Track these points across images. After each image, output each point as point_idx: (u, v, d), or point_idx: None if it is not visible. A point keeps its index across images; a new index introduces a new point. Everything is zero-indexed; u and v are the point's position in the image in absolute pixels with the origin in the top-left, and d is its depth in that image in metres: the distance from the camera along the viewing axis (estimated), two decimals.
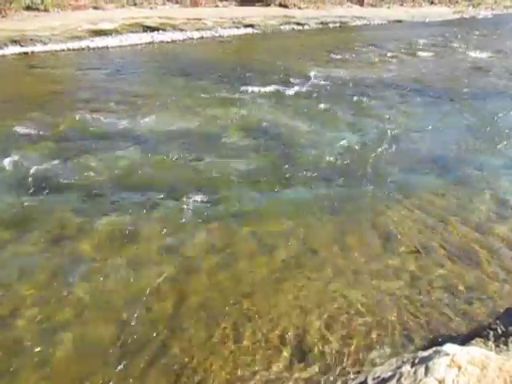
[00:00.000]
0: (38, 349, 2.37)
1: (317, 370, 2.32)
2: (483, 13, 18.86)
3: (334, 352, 2.42)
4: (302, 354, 2.41)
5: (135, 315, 2.62)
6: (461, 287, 2.93)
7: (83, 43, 10.08)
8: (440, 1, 19.94)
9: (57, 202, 3.78)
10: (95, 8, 12.10)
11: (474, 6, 19.97)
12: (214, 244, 3.30)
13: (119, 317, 2.61)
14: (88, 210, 3.66)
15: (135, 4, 12.83)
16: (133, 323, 2.56)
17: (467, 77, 8.32)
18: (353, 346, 2.46)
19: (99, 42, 10.31)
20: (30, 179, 4.10)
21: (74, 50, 9.80)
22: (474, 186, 4.23)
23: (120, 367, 2.29)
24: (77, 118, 5.68)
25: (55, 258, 3.08)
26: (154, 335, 2.49)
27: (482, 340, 2.32)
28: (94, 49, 9.98)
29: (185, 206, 3.73)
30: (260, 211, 3.75)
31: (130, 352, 2.38)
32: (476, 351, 1.97)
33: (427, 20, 16.16)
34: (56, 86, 7.18)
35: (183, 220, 3.57)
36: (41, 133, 5.17)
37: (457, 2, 20.18)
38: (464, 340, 2.40)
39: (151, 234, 3.38)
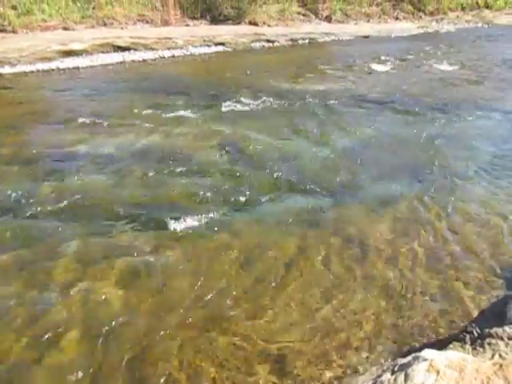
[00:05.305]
0: None
1: (296, 381, 2.31)
2: (446, 27, 19.51)
3: (313, 363, 2.42)
4: (280, 366, 2.40)
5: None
6: (437, 293, 2.99)
7: (53, 64, 9.96)
8: (404, 17, 20.55)
9: (26, 225, 3.70)
10: (65, 28, 12.00)
11: (437, 21, 20.66)
12: (185, 263, 3.28)
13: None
14: (59, 232, 3.60)
15: (105, 24, 12.80)
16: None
17: (434, 88, 8.57)
18: (332, 357, 2.46)
19: (69, 62, 10.21)
20: None
21: (43, 71, 9.67)
22: (445, 193, 4.33)
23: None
24: (46, 139, 5.60)
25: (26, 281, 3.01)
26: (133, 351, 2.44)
27: (460, 343, 2.36)
28: (64, 69, 9.88)
29: (155, 225, 3.71)
30: (232, 227, 3.75)
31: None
32: (453, 355, 2.01)
33: (393, 35, 16.62)
34: (25, 108, 7.07)
35: (154, 239, 3.54)
36: (8, 155, 5.07)
37: (420, 17, 20.84)
38: (442, 344, 2.44)
39: (123, 254, 3.34)
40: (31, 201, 4.06)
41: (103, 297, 2.91)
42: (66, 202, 4.05)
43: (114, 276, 3.11)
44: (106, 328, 2.65)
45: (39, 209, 3.93)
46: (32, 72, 9.52)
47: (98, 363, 2.41)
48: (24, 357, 2.45)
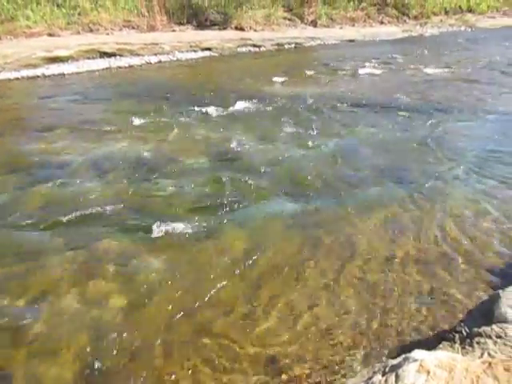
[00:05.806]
0: None
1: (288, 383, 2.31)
2: (430, 31, 19.79)
3: (303, 366, 2.41)
4: (271, 368, 2.40)
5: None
6: (426, 293, 3.01)
7: (38, 71, 9.88)
8: (389, 21, 20.80)
9: (12, 234, 3.66)
10: (50, 35, 11.92)
11: (421, 25, 20.94)
12: (176, 269, 3.26)
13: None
14: (46, 241, 3.56)
15: (91, 30, 12.74)
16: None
17: (420, 90, 8.67)
18: (323, 359, 2.46)
19: (55, 69, 10.13)
20: None
21: (28, 77, 9.59)
22: (434, 194, 4.37)
23: None
24: (32, 147, 5.54)
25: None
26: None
27: (449, 343, 2.38)
28: (49, 76, 9.81)
29: (143, 232, 3.68)
30: (223, 231, 3.74)
31: None
32: (443, 355, 2.02)
33: (378, 39, 16.80)
34: (10, 115, 7.00)
35: (143, 246, 3.51)
36: None
37: (405, 21, 21.11)
38: (432, 345, 2.45)
39: (112, 261, 3.31)
40: (17, 209, 4.01)
41: (94, 304, 2.88)
42: (51, 210, 4.01)
43: (105, 283, 3.08)
44: (99, 334, 2.62)
45: (25, 217, 3.87)
46: (17, 79, 9.44)
47: (93, 370, 2.38)
48: (19, 366, 2.42)
